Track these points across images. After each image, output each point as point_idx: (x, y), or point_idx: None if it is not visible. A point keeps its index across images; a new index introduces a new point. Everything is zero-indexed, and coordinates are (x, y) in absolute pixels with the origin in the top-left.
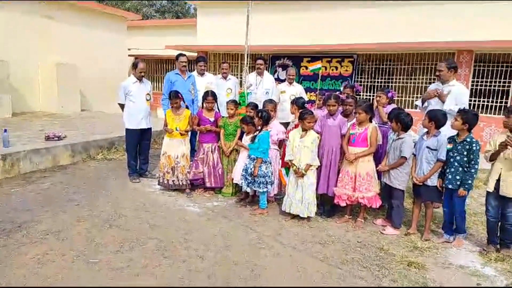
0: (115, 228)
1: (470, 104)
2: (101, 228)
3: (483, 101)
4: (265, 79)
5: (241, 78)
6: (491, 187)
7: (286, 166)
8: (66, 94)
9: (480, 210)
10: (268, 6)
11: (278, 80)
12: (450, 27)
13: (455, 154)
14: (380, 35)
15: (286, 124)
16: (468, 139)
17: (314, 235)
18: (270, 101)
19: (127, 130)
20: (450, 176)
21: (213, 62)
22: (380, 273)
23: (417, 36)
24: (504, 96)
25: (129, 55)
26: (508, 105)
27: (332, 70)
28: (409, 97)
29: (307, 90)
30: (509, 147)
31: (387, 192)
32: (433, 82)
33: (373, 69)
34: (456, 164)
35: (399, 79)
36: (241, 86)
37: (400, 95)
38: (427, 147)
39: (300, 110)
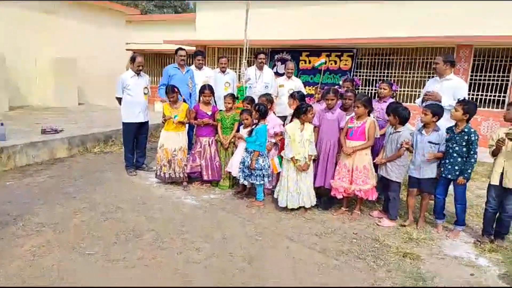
0: (112, 221)
1: (469, 98)
2: (98, 220)
3: (482, 95)
4: (264, 73)
5: (239, 72)
6: (496, 180)
7: (279, 155)
8: (63, 88)
9: (476, 203)
10: (267, 1)
11: (277, 74)
12: (449, 22)
13: (454, 145)
14: (379, 29)
15: (283, 118)
16: (466, 130)
17: (310, 227)
18: (265, 94)
19: (124, 123)
20: (449, 167)
21: (212, 56)
22: (375, 264)
23: (416, 31)
24: (502, 90)
25: (127, 50)
26: (507, 99)
27: (331, 64)
28: (409, 91)
29: (305, 84)
30: (507, 140)
31: (384, 185)
32: (432, 76)
33: (372, 62)
34: (455, 154)
35: (398, 73)
36: (239, 80)
37: (399, 89)
38: (429, 141)
39: (299, 104)
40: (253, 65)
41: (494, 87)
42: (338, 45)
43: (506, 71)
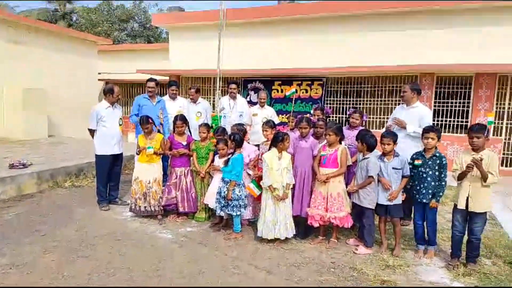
0: (84, 259)
1: (433, 124)
2: (69, 259)
3: (446, 121)
4: (238, 102)
5: (213, 101)
6: (462, 204)
7: (254, 179)
8: (32, 119)
9: (447, 227)
10: (240, 31)
11: (250, 103)
12: (412, 52)
13: (427, 169)
14: (348, 59)
15: (258, 146)
16: (437, 154)
17: (288, 257)
18: (238, 124)
19: (98, 156)
20: (424, 191)
21: (186, 86)
22: None
23: (382, 60)
24: (465, 116)
25: (99, 79)
26: (469, 124)
27: (303, 92)
28: (377, 118)
29: (278, 112)
30: (474, 168)
31: (357, 212)
32: (399, 103)
33: (342, 91)
34: (429, 179)
35: (367, 100)
36: (213, 110)
37: (368, 116)
38: (393, 167)
39: (275, 132)
40: (226, 94)
41: (457, 113)
42: (309, 74)
43: (467, 97)
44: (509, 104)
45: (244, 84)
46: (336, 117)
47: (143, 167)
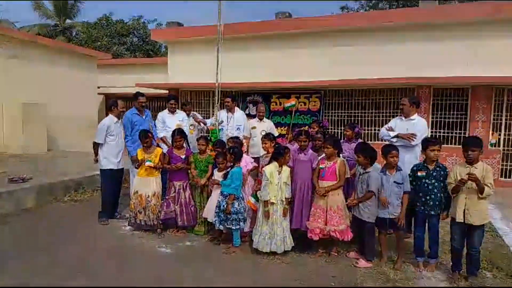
0: (83, 276)
1: (432, 136)
2: (68, 276)
3: (444, 133)
4: (236, 115)
5: (212, 114)
6: (460, 217)
7: (254, 193)
8: (32, 133)
9: (447, 239)
10: (238, 44)
11: (249, 116)
12: (409, 64)
13: (433, 181)
14: (345, 72)
15: (257, 159)
16: (441, 165)
17: (289, 271)
18: (234, 137)
19: (104, 170)
20: (431, 203)
21: (185, 99)
22: None
23: (380, 73)
24: (462, 128)
25: (99, 93)
26: (467, 135)
27: (301, 105)
28: (375, 130)
29: (277, 125)
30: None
31: (358, 225)
32: (397, 115)
33: (340, 103)
34: (435, 190)
35: (365, 112)
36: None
37: (366, 128)
38: (395, 181)
39: (277, 146)
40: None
41: (455, 125)
42: (307, 87)
43: (464, 109)
44: (506, 115)
45: (243, 97)
46: (334, 130)
47: (143, 181)
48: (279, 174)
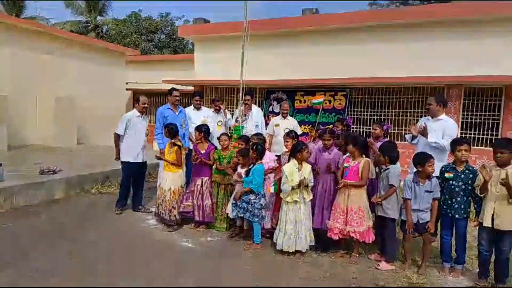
0: (108, 265)
1: (462, 137)
2: (94, 264)
3: (474, 134)
4: (254, 113)
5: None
6: (488, 222)
7: (275, 181)
8: (63, 127)
9: (475, 244)
10: (262, 41)
11: (273, 113)
12: (439, 62)
13: (460, 183)
14: (372, 69)
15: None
16: (470, 168)
17: (308, 271)
18: (257, 134)
19: (124, 163)
20: (456, 206)
21: (210, 96)
22: None
23: (408, 71)
24: (494, 129)
25: (127, 89)
26: (499, 136)
27: (326, 103)
28: (401, 130)
29: (301, 123)
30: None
31: (380, 226)
32: (424, 115)
33: (366, 102)
34: (461, 193)
35: (391, 112)
36: (236, 120)
37: (392, 128)
38: (426, 191)
39: (294, 143)
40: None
41: (486, 126)
42: (332, 84)
43: (496, 110)
44: None
45: (267, 94)
46: (360, 128)
47: (165, 175)
48: (299, 171)
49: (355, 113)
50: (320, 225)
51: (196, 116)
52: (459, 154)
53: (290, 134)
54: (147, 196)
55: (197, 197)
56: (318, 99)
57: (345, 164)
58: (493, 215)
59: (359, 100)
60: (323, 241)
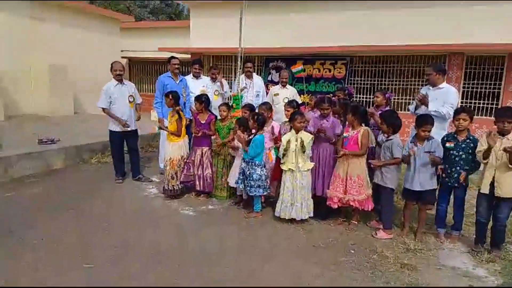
0: (109, 234)
1: (462, 106)
2: (95, 234)
3: (475, 103)
4: (254, 81)
5: (235, 80)
6: (486, 189)
7: (275, 147)
8: (58, 96)
9: (472, 212)
10: (262, 8)
11: (272, 82)
12: (441, 30)
13: (461, 153)
14: (372, 37)
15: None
16: (471, 137)
17: (308, 238)
18: (265, 103)
19: (110, 131)
20: (455, 175)
21: (207, 64)
22: (374, 275)
23: (409, 39)
24: (495, 98)
25: (122, 57)
26: (499, 107)
27: (326, 72)
28: (401, 99)
29: (300, 92)
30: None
31: (378, 194)
32: (425, 85)
33: (367, 71)
34: (462, 162)
35: (392, 80)
36: (234, 89)
37: (394, 96)
38: (425, 151)
39: (291, 112)
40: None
41: (487, 95)
42: (332, 53)
43: (498, 78)
44: None
45: (266, 63)
46: (360, 97)
47: (167, 145)
48: (296, 140)
49: (355, 82)
50: (321, 193)
51: (195, 84)
52: (456, 122)
53: (291, 104)
54: (146, 166)
55: (198, 167)
56: (297, 67)
57: (344, 134)
58: (492, 182)
59: (359, 69)
60: (322, 210)
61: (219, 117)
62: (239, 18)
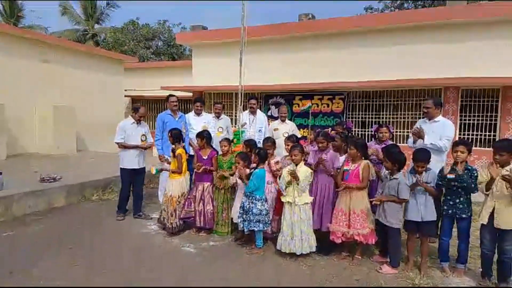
0: (110, 273)
1: (460, 138)
2: (96, 272)
3: (472, 135)
4: (257, 117)
5: (235, 116)
6: (485, 219)
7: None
8: (62, 135)
9: (477, 244)
10: (261, 47)
11: (272, 118)
12: (436, 65)
13: (463, 184)
14: (369, 73)
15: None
16: (470, 167)
17: (311, 273)
18: (268, 138)
19: (122, 169)
20: (461, 206)
21: (208, 102)
22: None
23: (404, 73)
24: (492, 130)
25: (126, 96)
26: (497, 137)
27: (324, 107)
28: (400, 131)
29: (299, 126)
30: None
31: (381, 228)
32: (423, 117)
33: (364, 105)
34: (463, 193)
35: (389, 114)
36: (235, 125)
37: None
38: (425, 182)
39: (290, 146)
40: (247, 110)
41: (484, 126)
42: (330, 88)
43: (494, 110)
44: None
45: (265, 99)
46: (358, 131)
47: (168, 182)
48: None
49: (354, 116)
50: (319, 227)
51: (197, 121)
52: (455, 154)
53: (291, 138)
54: (147, 202)
55: (199, 202)
56: (304, 106)
57: (345, 168)
58: (492, 213)
59: (357, 103)
60: (325, 244)
61: (220, 153)
62: (239, 57)
